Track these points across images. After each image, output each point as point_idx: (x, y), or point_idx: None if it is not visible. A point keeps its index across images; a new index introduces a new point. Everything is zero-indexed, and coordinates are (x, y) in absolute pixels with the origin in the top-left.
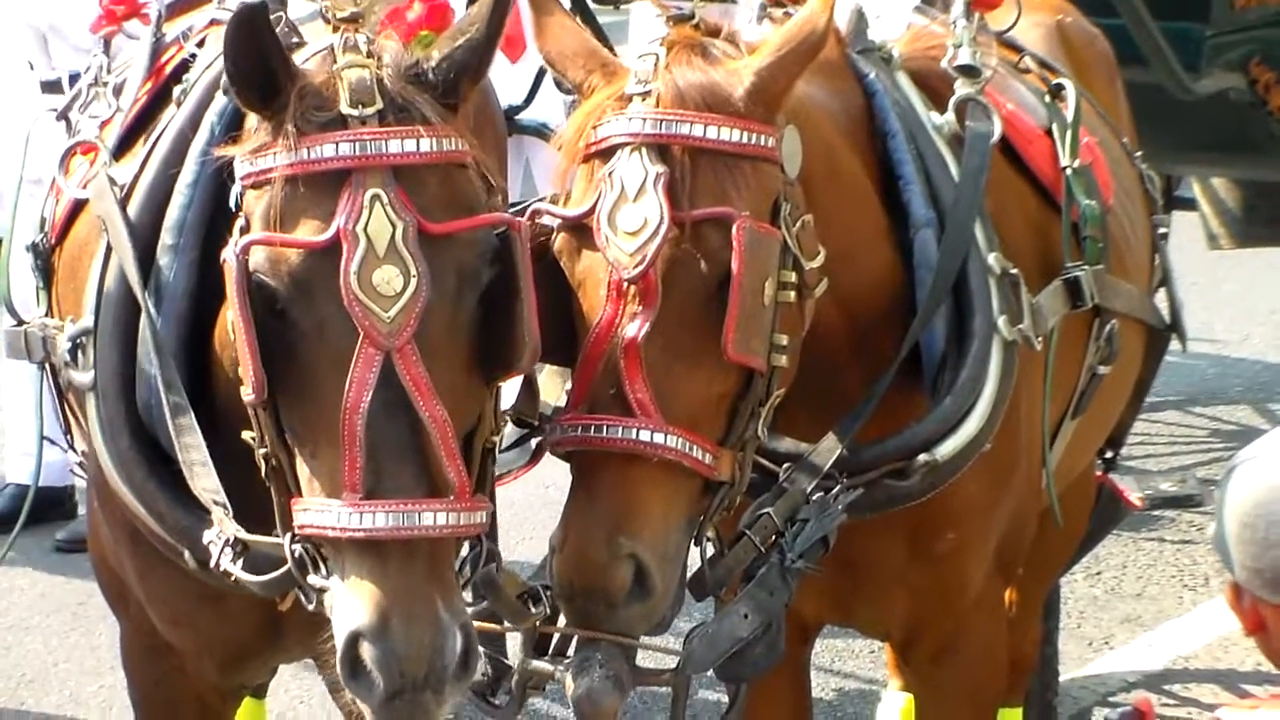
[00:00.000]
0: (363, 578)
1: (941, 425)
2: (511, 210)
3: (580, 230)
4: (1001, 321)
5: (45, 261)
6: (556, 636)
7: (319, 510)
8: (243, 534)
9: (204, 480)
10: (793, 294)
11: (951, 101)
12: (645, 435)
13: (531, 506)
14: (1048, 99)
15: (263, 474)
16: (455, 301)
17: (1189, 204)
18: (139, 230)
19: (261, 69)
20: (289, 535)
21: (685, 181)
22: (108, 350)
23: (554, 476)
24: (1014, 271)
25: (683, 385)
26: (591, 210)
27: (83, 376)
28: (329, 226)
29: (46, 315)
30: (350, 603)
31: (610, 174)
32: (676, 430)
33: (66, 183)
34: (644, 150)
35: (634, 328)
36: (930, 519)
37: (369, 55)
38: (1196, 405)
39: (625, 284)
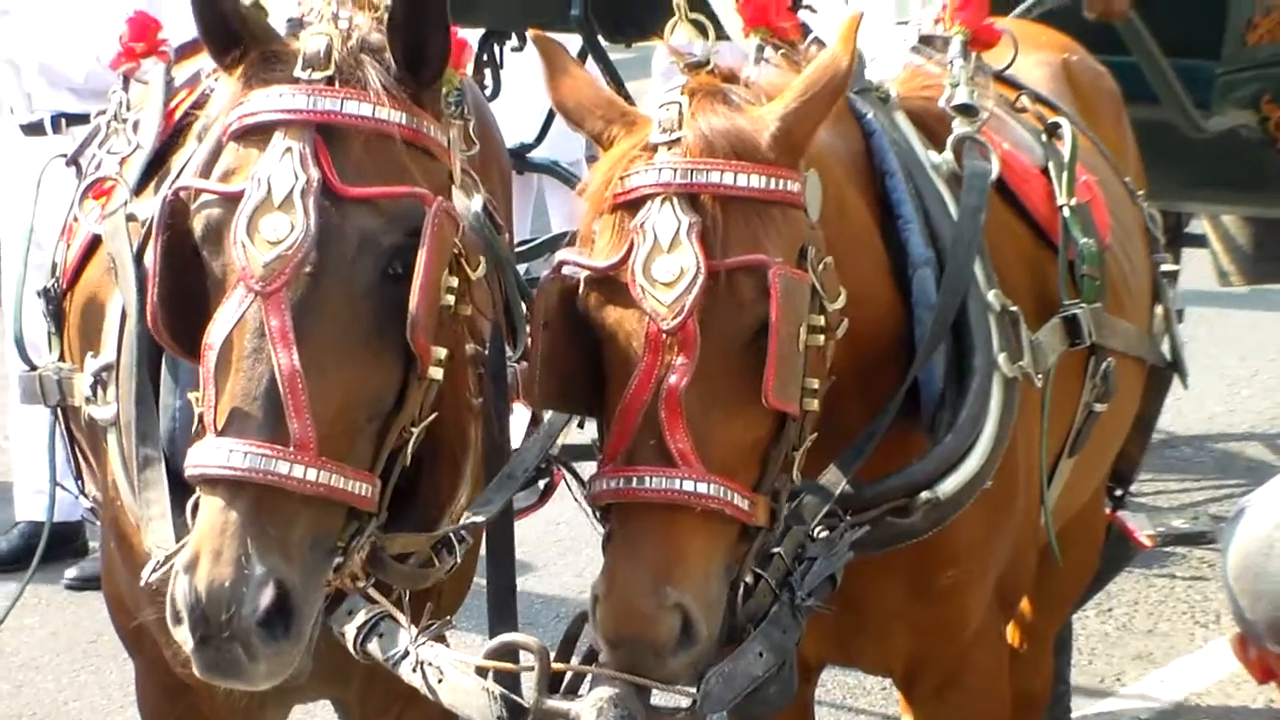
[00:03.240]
0: (200, 517)
1: (943, 463)
2: (520, 245)
3: (609, 281)
4: (1002, 359)
5: (57, 306)
6: (568, 675)
7: (192, 451)
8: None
9: (158, 534)
10: (821, 337)
11: (949, 141)
12: (689, 485)
13: (542, 544)
14: (1044, 137)
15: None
16: (351, 265)
17: (1199, 241)
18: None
19: (221, 29)
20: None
21: (717, 230)
22: (128, 385)
23: (564, 514)
24: (1013, 309)
25: (721, 433)
26: (624, 261)
27: (103, 412)
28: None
29: (60, 360)
30: (187, 542)
31: (642, 225)
32: (717, 479)
33: (84, 220)
34: (675, 200)
35: (674, 378)
36: (930, 556)
37: (339, 27)
38: (1207, 441)
39: (664, 335)
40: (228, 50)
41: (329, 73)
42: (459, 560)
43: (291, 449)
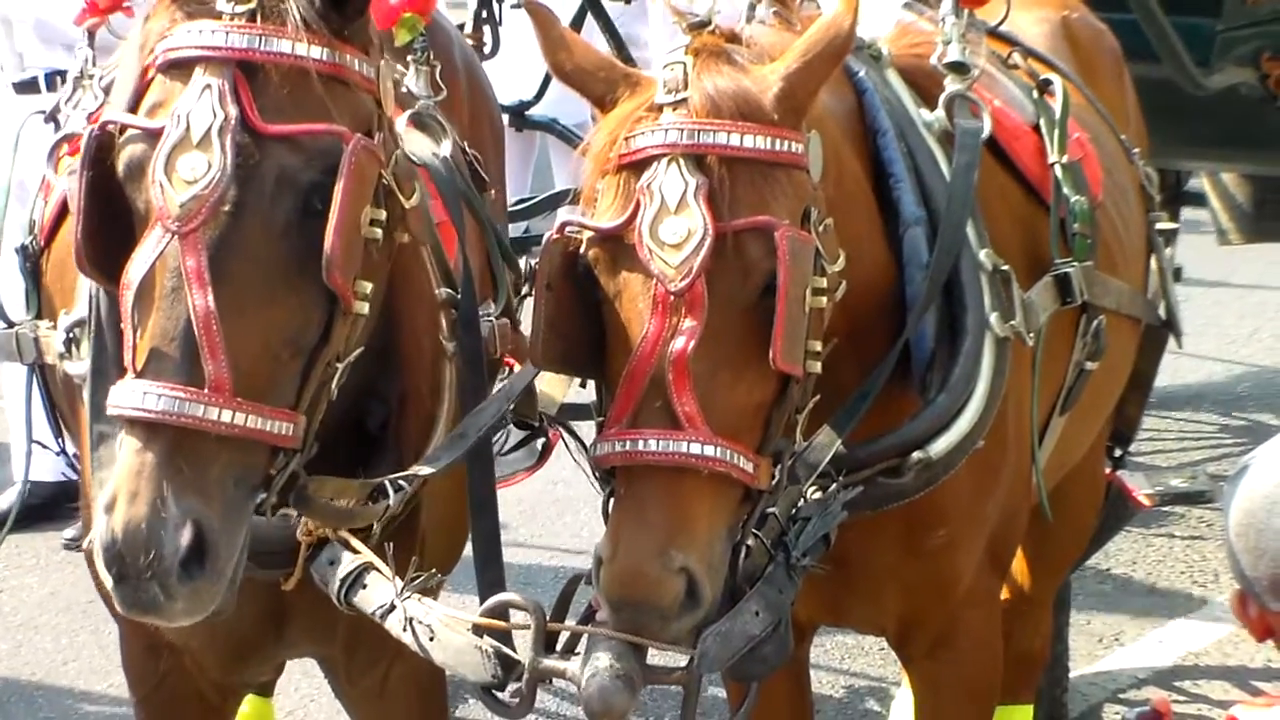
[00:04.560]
0: (120, 459)
1: (935, 422)
2: (519, 204)
3: (615, 242)
4: (994, 318)
5: (34, 264)
6: (565, 635)
7: (112, 391)
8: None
9: None
10: (823, 299)
11: (941, 98)
12: (695, 448)
13: (541, 503)
14: (1035, 94)
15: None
16: (269, 203)
17: (1198, 199)
18: None
19: None
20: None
21: (724, 191)
22: (101, 339)
23: (562, 474)
24: (1005, 268)
25: (726, 396)
26: (630, 222)
27: (77, 367)
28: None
29: (36, 317)
30: (106, 483)
31: (649, 185)
32: (723, 442)
33: (55, 179)
34: (682, 161)
35: (681, 341)
36: (920, 516)
37: None
38: (1205, 401)
39: (671, 296)
40: None
41: (251, 6)
42: (390, 504)
43: (207, 391)
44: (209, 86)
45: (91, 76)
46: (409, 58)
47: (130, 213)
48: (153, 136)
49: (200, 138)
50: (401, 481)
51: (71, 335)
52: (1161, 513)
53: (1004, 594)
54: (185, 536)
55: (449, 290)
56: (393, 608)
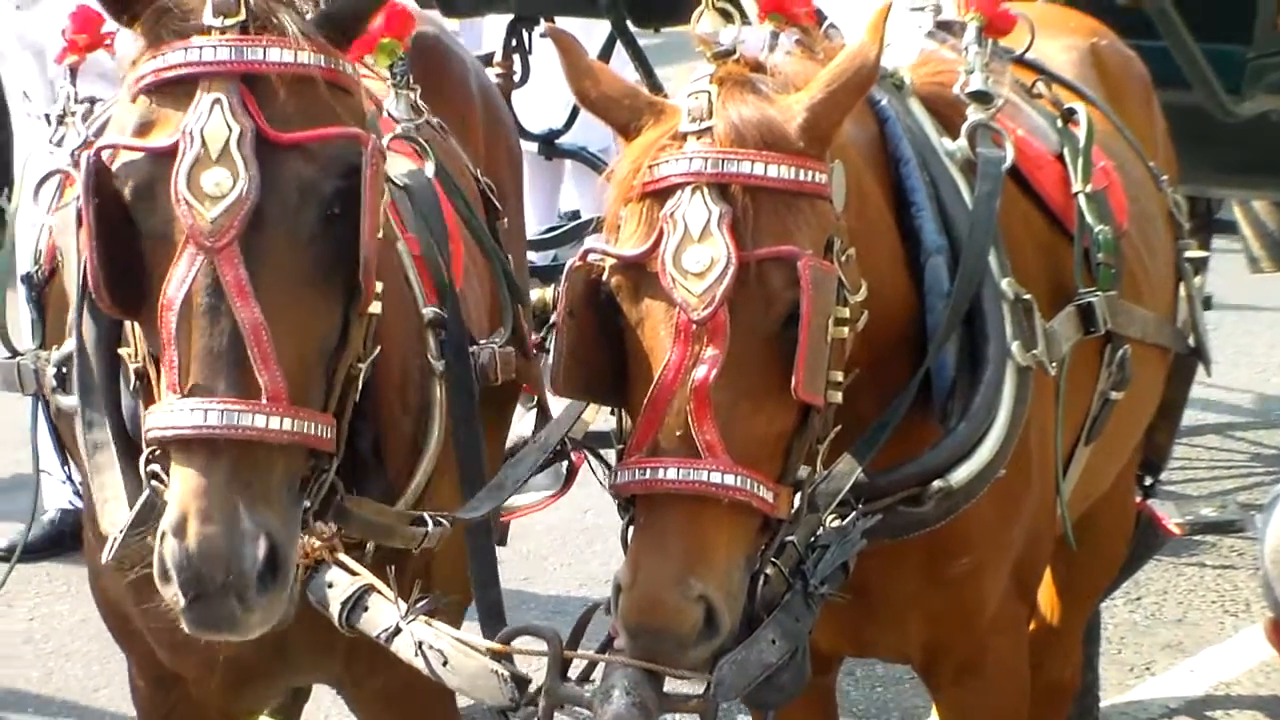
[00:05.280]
0: (177, 479)
1: (955, 451)
2: (546, 232)
3: (637, 270)
4: (1015, 347)
5: (39, 293)
6: (584, 664)
7: (152, 414)
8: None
9: (113, 515)
10: (845, 329)
11: (964, 128)
12: (716, 477)
13: (570, 531)
14: (1060, 123)
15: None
16: (294, 212)
17: (1229, 227)
18: None
19: None
20: (147, 450)
21: (748, 221)
22: (88, 374)
23: (591, 502)
24: (1027, 297)
25: (747, 425)
26: (653, 250)
27: (69, 401)
28: (176, 133)
29: (40, 347)
30: (168, 503)
31: (672, 214)
32: (743, 471)
33: (44, 217)
34: (705, 190)
35: (703, 370)
36: (943, 544)
37: None
38: (1236, 430)
39: (693, 325)
40: (125, 7)
41: (241, 18)
42: (429, 532)
43: (265, 401)
44: (219, 101)
45: (74, 114)
46: (389, 82)
47: (134, 238)
48: (161, 157)
49: (219, 152)
50: (441, 518)
51: (61, 369)
52: (1193, 542)
53: (1033, 624)
54: (261, 549)
55: (436, 310)
56: (398, 630)
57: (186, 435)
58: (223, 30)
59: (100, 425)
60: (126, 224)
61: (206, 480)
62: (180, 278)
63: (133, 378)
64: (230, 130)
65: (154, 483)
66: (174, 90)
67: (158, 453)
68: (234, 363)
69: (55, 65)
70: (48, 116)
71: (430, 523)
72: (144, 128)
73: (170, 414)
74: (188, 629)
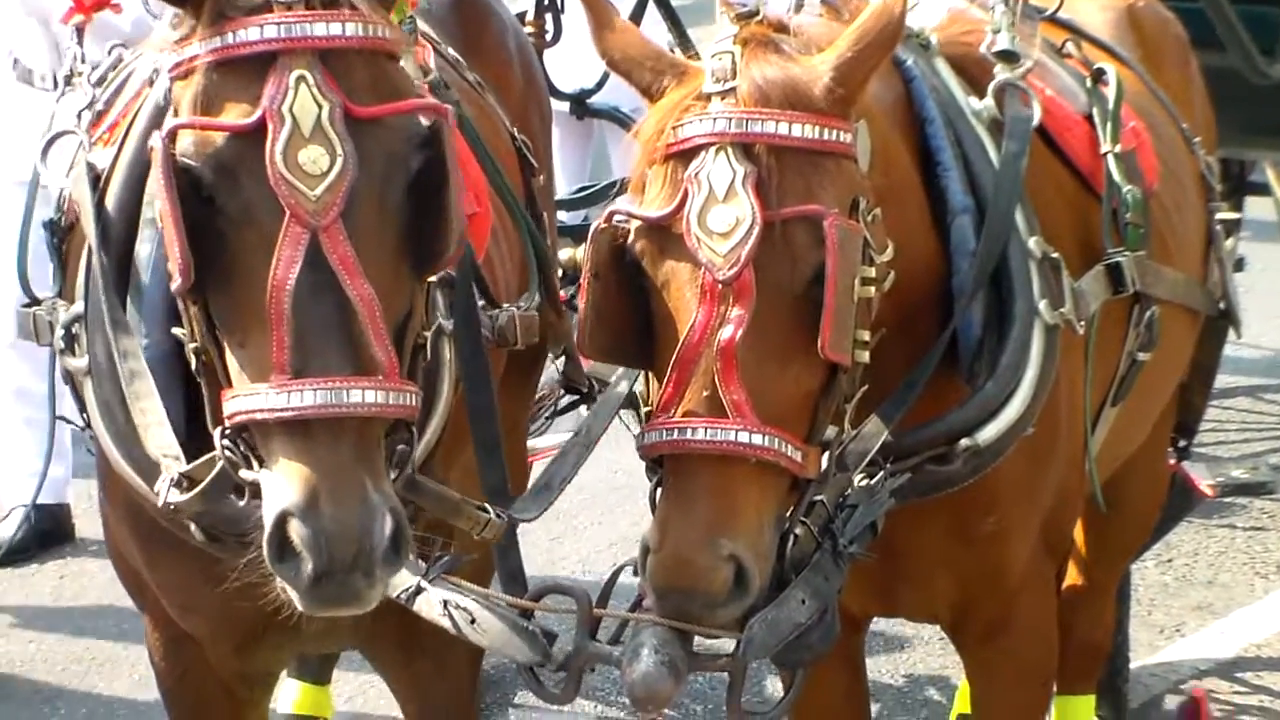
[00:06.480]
0: (291, 459)
1: (983, 410)
2: (578, 192)
3: (662, 231)
4: (1043, 305)
5: (61, 240)
6: (614, 623)
7: (247, 395)
8: (184, 465)
9: (158, 439)
10: (871, 289)
11: (990, 87)
12: (743, 437)
13: (600, 491)
14: (1089, 83)
15: (194, 370)
16: (383, 185)
17: (1262, 189)
18: (122, 207)
19: None
20: (219, 430)
21: (772, 180)
22: (98, 333)
23: (622, 461)
24: (1055, 255)
25: (774, 385)
26: (678, 211)
27: (78, 362)
28: (255, 110)
29: (58, 296)
30: (279, 484)
31: (697, 174)
32: (771, 430)
33: (52, 178)
34: (730, 150)
35: (729, 330)
36: (971, 503)
37: None
38: (1268, 392)
39: (719, 285)
40: None
41: None
42: (492, 518)
43: (380, 377)
44: (303, 78)
45: (80, 74)
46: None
47: (210, 216)
48: (246, 135)
49: (311, 129)
50: (491, 511)
51: (71, 330)
52: (1223, 504)
53: (1065, 585)
54: (389, 525)
55: (447, 270)
56: (419, 590)
57: (310, 415)
58: (288, 6)
59: (135, 355)
60: (201, 203)
61: (333, 459)
62: (289, 258)
63: (192, 359)
64: (320, 107)
65: (228, 455)
66: (244, 68)
67: (241, 432)
68: (344, 339)
69: (61, 28)
70: (54, 76)
71: (481, 515)
72: (218, 107)
73: (286, 395)
74: (304, 607)
